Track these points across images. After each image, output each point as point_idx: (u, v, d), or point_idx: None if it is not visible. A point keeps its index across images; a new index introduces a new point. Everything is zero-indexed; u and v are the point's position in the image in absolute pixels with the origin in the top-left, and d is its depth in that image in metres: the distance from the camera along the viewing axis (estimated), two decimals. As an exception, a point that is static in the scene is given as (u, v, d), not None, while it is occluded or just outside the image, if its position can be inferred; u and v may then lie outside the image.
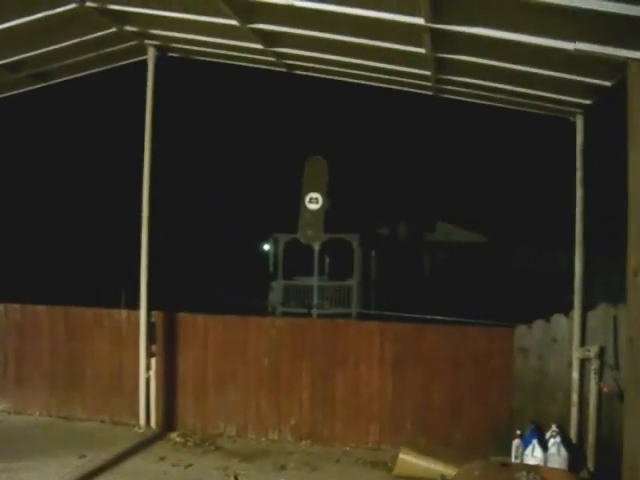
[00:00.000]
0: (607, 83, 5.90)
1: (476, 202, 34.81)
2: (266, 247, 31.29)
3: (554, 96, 6.78)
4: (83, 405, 8.82)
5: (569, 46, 4.94)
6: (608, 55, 4.85)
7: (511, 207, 32.70)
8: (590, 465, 6.91)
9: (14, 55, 7.91)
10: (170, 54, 8.72)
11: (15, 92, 9.20)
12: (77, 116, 29.93)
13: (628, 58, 4.74)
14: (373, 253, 28.57)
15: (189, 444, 7.96)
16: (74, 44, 7.77)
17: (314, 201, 8.18)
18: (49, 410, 8.91)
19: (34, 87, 9.15)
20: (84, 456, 7.27)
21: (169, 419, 8.53)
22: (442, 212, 34.93)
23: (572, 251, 7.39)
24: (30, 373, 9.05)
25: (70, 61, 8.40)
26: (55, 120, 28.61)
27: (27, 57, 7.98)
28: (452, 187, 37.03)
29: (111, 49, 8.30)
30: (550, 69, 5.92)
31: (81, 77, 9.12)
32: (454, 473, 4.39)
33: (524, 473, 3.53)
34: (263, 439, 8.23)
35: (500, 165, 35.60)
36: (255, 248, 33.79)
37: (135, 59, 8.75)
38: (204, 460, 7.43)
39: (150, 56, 8.54)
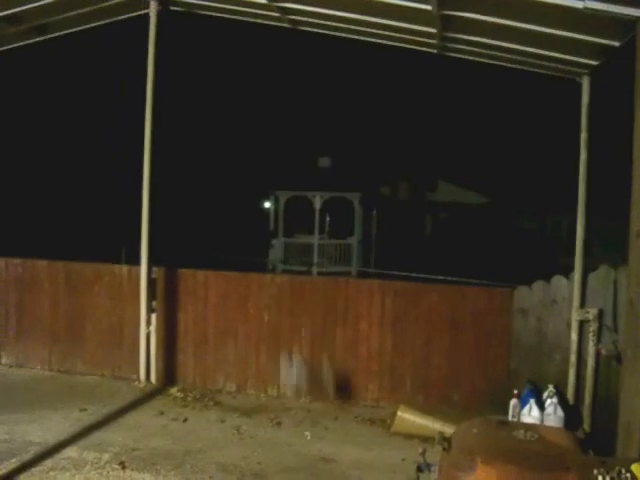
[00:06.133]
0: (615, 43, 5.82)
1: (479, 163, 34.64)
2: (267, 205, 31.22)
3: (561, 56, 6.70)
4: (84, 359, 8.89)
5: (578, 4, 4.87)
6: (617, 14, 4.77)
7: (514, 169, 32.54)
8: (586, 425, 6.98)
9: (14, 7, 7.82)
10: (172, 8, 8.61)
11: (15, 45, 9.10)
12: (78, 72, 29.67)
13: (638, 17, 4.67)
14: (374, 212, 28.53)
15: (189, 399, 8.04)
16: (75, -4, 7.69)
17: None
18: (50, 364, 8.99)
19: (34, 40, 9.05)
20: (85, 410, 7.35)
21: (169, 374, 8.60)
22: (444, 172, 34.73)
23: (574, 214, 7.37)
24: (31, 328, 9.10)
25: (71, 14, 8.31)
26: (57, 76, 28.35)
27: (27, 9, 7.90)
28: (455, 147, 36.85)
29: (112, 2, 8.20)
30: (558, 28, 5.83)
31: (82, 31, 9.02)
32: (451, 431, 4.44)
33: (522, 431, 3.55)
34: (262, 395, 8.30)
35: (504, 126, 35.38)
36: (256, 205, 33.71)
37: (137, 13, 8.64)
38: (203, 415, 7.51)
39: (152, 10, 8.42)
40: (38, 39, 9.01)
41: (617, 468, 3.15)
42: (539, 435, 3.55)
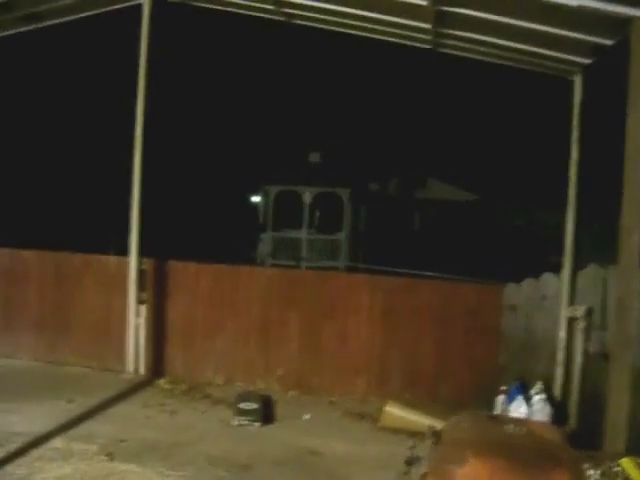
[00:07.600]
0: (608, 42, 5.84)
1: (469, 160, 34.66)
2: (256, 199, 31.18)
3: (554, 54, 6.71)
4: (71, 351, 8.85)
5: (572, 2, 4.89)
6: (611, 12, 4.80)
7: (504, 167, 32.57)
8: (572, 422, 7.01)
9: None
10: (166, -1, 8.58)
11: (6, 33, 9.01)
12: (71, 60, 29.46)
13: (632, 16, 4.69)
14: (363, 208, 28.54)
15: (177, 391, 8.01)
16: (68, -16, 7.65)
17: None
18: (37, 355, 8.93)
19: (26, 29, 8.97)
20: (72, 401, 7.31)
21: (157, 366, 8.58)
22: (434, 169, 34.73)
23: (564, 212, 7.40)
24: (19, 318, 9.05)
25: (63, 3, 8.24)
26: (47, 66, 28.14)
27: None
28: (445, 144, 36.83)
29: (106, -9, 8.17)
30: (552, 26, 5.84)
31: (75, 20, 8.95)
32: (439, 426, 4.44)
33: (511, 425, 3.57)
34: (251, 388, 8.26)
35: (494, 123, 35.40)
36: (245, 199, 33.65)
37: (130, 3, 8.59)
38: (191, 407, 7.48)
39: (145, 0, 8.37)
40: (30, 28, 8.94)
41: (606, 462, 3.18)
42: (528, 429, 3.56)
